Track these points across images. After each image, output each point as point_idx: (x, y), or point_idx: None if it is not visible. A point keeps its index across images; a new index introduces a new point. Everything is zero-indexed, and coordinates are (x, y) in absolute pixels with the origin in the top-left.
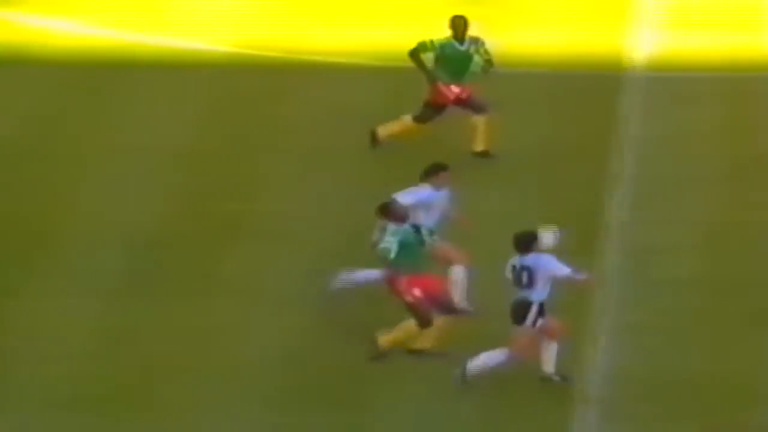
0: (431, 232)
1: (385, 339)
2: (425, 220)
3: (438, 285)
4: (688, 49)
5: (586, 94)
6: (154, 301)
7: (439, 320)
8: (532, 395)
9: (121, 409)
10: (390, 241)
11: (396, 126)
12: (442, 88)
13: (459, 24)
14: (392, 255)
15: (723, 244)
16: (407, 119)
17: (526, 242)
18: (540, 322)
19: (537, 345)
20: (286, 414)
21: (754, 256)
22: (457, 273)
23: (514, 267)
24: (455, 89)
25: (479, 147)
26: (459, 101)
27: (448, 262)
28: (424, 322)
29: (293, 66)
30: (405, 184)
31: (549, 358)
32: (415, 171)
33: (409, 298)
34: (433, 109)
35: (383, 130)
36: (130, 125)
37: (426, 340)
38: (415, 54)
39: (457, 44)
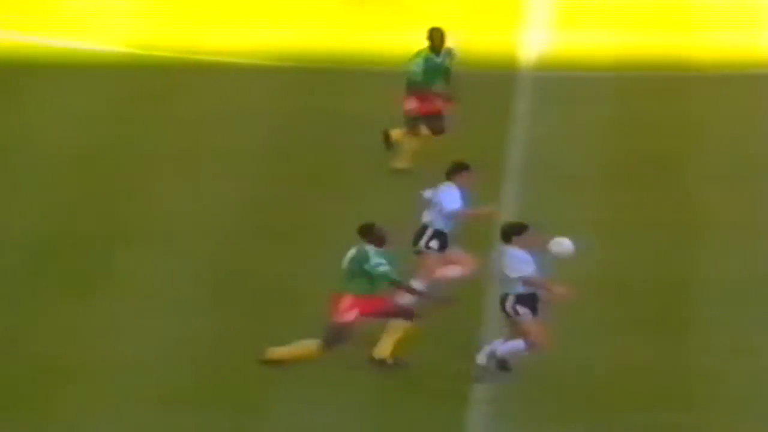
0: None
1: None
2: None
3: (384, 302)
4: (578, 48)
5: (478, 93)
6: (46, 302)
7: (399, 328)
8: (425, 395)
9: (12, 410)
10: (383, 263)
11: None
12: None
13: (437, 36)
14: (394, 275)
15: (615, 242)
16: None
17: (506, 233)
18: (522, 311)
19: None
20: (177, 414)
21: (634, 256)
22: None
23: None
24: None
25: (402, 164)
26: (427, 112)
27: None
28: (330, 344)
29: (187, 66)
30: (296, 184)
31: (507, 351)
32: (304, 171)
33: (342, 319)
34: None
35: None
36: (21, 126)
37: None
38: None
39: (434, 56)
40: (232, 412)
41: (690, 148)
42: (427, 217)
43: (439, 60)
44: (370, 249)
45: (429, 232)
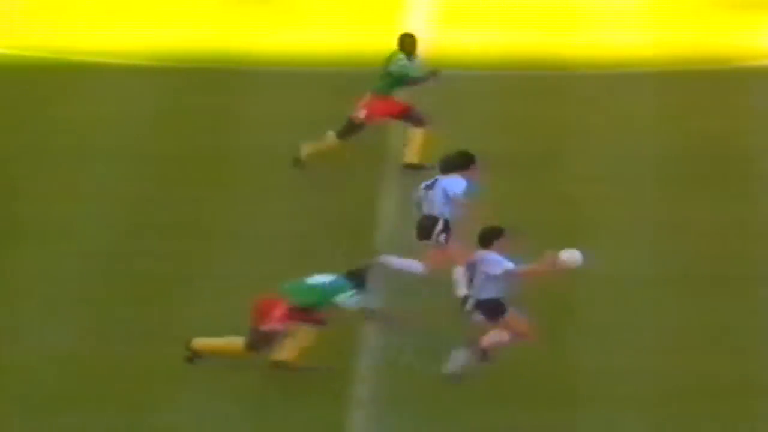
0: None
1: (202, 344)
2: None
3: (318, 315)
4: (461, 47)
5: (362, 92)
6: None
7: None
8: (306, 396)
9: None
10: (359, 300)
11: (414, 146)
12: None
13: (409, 42)
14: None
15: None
16: (417, 133)
17: (487, 237)
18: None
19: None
20: (67, 415)
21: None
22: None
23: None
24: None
25: (410, 158)
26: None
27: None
28: (255, 348)
29: (65, 67)
30: (183, 183)
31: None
32: (192, 171)
33: (271, 325)
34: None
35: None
36: None
37: (291, 352)
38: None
39: (410, 60)
40: (117, 412)
41: (569, 148)
42: (432, 208)
43: (412, 63)
44: (347, 285)
45: (441, 224)
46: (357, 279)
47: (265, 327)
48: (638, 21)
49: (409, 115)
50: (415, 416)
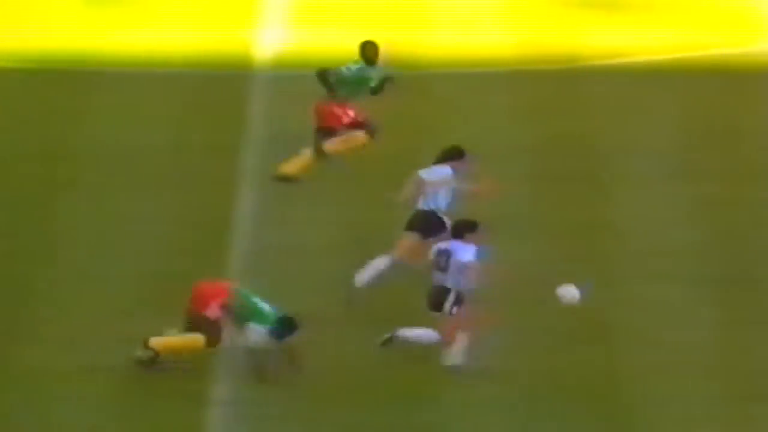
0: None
1: (159, 343)
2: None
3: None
4: (314, 46)
5: (214, 94)
6: None
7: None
8: (166, 395)
9: None
10: (264, 338)
11: (300, 161)
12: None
13: (371, 49)
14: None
15: (357, 244)
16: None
17: (459, 228)
18: (455, 309)
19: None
20: None
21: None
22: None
23: (438, 250)
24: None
25: (287, 169)
26: (353, 124)
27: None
28: (212, 341)
29: None
30: (34, 185)
31: (458, 350)
32: (43, 172)
33: (212, 312)
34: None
35: None
36: None
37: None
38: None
39: (368, 68)
40: None
41: (426, 146)
42: (428, 202)
43: (371, 73)
44: (272, 320)
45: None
46: (284, 325)
47: (208, 313)
48: (493, 21)
49: (361, 126)
50: (273, 417)
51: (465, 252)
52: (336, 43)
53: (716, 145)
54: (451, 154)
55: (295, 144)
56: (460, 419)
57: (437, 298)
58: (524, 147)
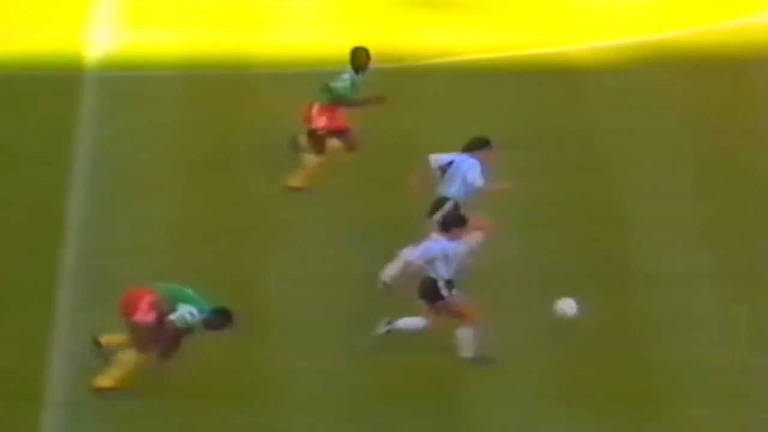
0: None
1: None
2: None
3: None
4: (145, 47)
5: (44, 95)
6: None
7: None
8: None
9: None
10: (193, 316)
11: (306, 171)
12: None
13: (362, 57)
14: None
15: (187, 244)
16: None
17: (446, 223)
18: (453, 293)
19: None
20: None
21: (214, 256)
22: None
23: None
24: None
25: (296, 183)
26: (337, 130)
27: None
28: (143, 348)
29: None
30: None
31: (466, 343)
32: None
33: (139, 316)
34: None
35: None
36: None
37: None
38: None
39: (356, 75)
40: None
41: (251, 147)
42: (446, 189)
43: (358, 79)
44: (202, 305)
45: (449, 205)
46: (219, 316)
47: (136, 318)
48: (325, 20)
49: (344, 135)
50: (107, 418)
51: (450, 244)
52: (167, 43)
53: (543, 142)
54: (477, 144)
55: (124, 145)
56: (286, 420)
57: (429, 288)
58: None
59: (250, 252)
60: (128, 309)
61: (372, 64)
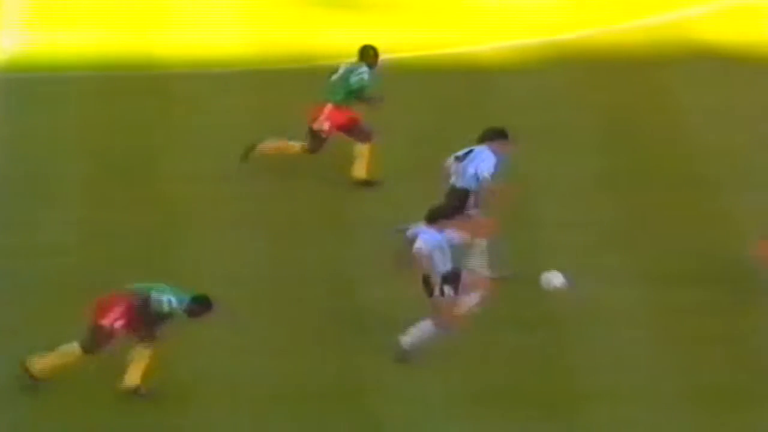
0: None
1: (40, 365)
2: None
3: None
4: (53, 48)
5: None
6: None
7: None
8: None
9: None
10: (172, 301)
11: (362, 161)
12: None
13: (372, 54)
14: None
15: (97, 244)
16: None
17: (431, 216)
18: (447, 291)
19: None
20: None
21: (115, 256)
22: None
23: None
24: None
25: (360, 174)
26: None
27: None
28: (89, 350)
29: None
30: None
31: (417, 335)
32: None
33: (109, 320)
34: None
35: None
36: None
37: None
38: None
39: (370, 71)
40: None
41: (167, 147)
42: (459, 180)
43: (370, 79)
44: (178, 294)
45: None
46: (199, 303)
47: (104, 321)
48: (232, 20)
49: (355, 130)
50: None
51: (433, 236)
52: (73, 44)
53: (449, 141)
54: (492, 135)
55: (30, 146)
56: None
57: (426, 287)
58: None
59: (158, 252)
60: (99, 311)
61: (282, 65)
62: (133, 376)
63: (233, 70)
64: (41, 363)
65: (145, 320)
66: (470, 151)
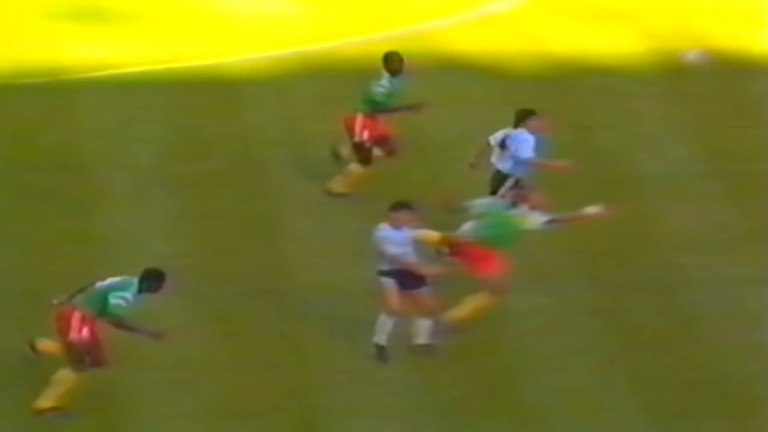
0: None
1: (48, 403)
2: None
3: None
4: None
5: None
6: None
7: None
8: None
9: None
10: (123, 301)
11: (347, 180)
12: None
13: (396, 60)
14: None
15: None
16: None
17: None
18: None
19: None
20: None
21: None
22: None
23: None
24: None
25: (338, 188)
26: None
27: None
28: (79, 366)
29: None
30: None
31: (422, 331)
32: None
33: (74, 336)
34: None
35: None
36: None
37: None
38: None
39: (395, 80)
40: None
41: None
42: (500, 163)
43: (396, 84)
44: (131, 285)
45: (509, 182)
46: (150, 279)
47: (70, 338)
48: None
49: (385, 143)
50: None
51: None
52: None
53: (204, 153)
54: (525, 116)
55: None
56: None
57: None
58: (10, 161)
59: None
60: (62, 328)
61: (27, 80)
62: (49, 398)
63: None
64: (48, 399)
65: (108, 322)
66: (507, 136)
